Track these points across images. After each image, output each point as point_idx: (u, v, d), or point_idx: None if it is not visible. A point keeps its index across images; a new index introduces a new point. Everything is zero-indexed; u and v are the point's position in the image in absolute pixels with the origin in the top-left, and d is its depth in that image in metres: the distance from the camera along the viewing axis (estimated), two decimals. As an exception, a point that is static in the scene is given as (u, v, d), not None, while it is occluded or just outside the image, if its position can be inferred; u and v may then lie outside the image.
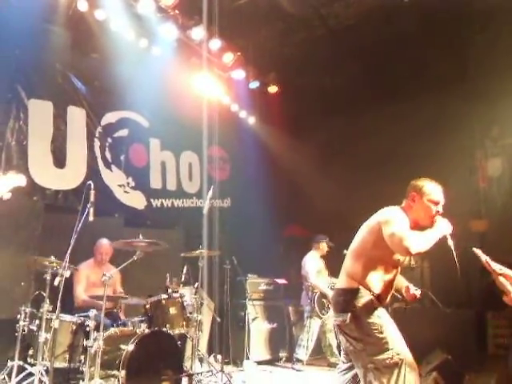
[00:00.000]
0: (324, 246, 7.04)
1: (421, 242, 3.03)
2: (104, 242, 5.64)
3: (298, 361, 6.73)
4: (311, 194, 8.17)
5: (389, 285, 3.25)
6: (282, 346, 7.16)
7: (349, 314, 3.06)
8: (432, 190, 3.31)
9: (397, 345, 2.99)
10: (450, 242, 3.18)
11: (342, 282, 3.23)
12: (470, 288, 7.41)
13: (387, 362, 2.92)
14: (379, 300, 3.12)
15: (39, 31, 5.80)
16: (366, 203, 7.65)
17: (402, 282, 3.55)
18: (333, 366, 6.72)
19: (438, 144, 7.46)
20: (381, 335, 2.99)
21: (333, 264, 7.10)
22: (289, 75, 8.15)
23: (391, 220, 3.12)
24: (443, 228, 3.17)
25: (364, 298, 3.07)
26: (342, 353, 3.42)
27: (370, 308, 3.06)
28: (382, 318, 3.07)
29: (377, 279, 3.15)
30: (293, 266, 8.54)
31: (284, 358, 7.10)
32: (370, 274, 3.13)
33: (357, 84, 7.76)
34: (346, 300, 3.11)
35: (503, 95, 6.75)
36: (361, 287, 3.10)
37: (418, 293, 3.49)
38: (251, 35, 7.39)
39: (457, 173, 7.54)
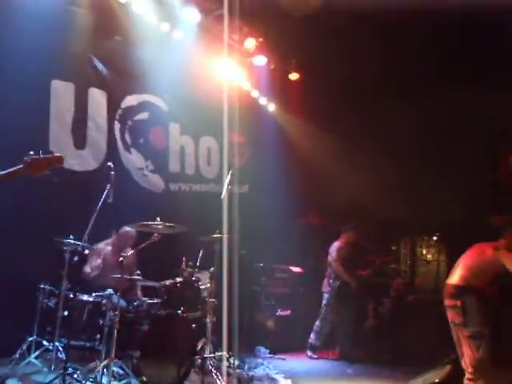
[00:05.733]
0: (352, 236, 6.98)
1: None
2: (131, 234, 5.52)
3: (312, 347, 6.75)
4: (330, 183, 8.12)
5: None
6: (295, 333, 7.19)
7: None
8: None
9: None
10: None
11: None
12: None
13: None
14: None
15: (62, 12, 5.82)
16: (384, 193, 7.67)
17: None
18: (343, 355, 6.76)
19: (459, 136, 7.36)
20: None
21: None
22: (310, 62, 8.06)
23: None
24: None
25: None
26: None
27: None
28: None
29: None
30: (309, 255, 8.54)
31: (298, 346, 7.13)
32: None
33: (379, 73, 7.66)
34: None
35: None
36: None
37: None
38: (273, 21, 7.31)
39: (477, 167, 7.44)
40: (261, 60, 7.73)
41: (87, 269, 5.42)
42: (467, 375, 4.39)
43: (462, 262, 4.71)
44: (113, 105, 6.69)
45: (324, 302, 6.88)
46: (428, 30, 6.82)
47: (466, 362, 4.41)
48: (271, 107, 8.57)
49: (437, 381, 4.32)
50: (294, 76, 8.29)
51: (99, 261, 5.49)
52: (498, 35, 6.70)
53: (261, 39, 7.44)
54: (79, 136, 6.29)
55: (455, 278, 4.62)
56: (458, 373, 4.77)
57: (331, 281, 6.81)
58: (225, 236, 5.44)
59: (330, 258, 6.91)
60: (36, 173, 3.12)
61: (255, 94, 8.30)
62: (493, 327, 4.53)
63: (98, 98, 6.52)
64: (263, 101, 8.46)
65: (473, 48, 6.95)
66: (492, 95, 6.89)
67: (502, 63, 6.70)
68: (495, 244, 4.68)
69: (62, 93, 6.12)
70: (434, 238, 8.75)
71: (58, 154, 3.31)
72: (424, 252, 8.84)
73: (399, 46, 7.22)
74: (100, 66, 6.56)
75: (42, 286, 4.73)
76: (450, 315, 4.58)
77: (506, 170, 7.78)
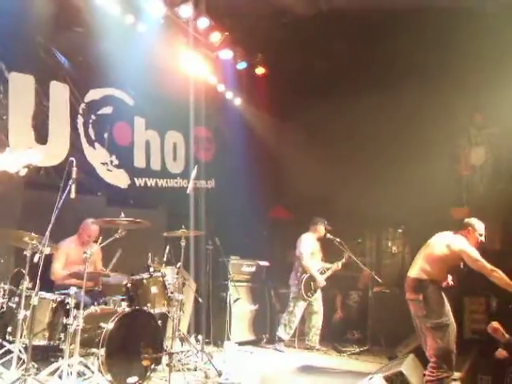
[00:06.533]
0: (321, 229, 7.02)
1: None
2: (94, 227, 5.49)
3: (280, 340, 6.81)
4: (296, 177, 8.18)
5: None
6: (263, 327, 7.23)
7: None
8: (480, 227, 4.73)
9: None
10: None
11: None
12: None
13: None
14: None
15: (20, 2, 5.63)
16: (350, 186, 7.78)
17: None
18: (311, 348, 6.84)
19: (421, 130, 7.51)
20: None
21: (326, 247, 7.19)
22: (276, 57, 8.07)
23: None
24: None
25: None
26: None
27: None
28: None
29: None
30: (276, 249, 8.59)
31: (265, 340, 7.18)
32: None
33: (344, 68, 7.74)
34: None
35: (487, 83, 6.79)
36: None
37: None
38: (240, 15, 7.27)
39: (440, 160, 7.62)
40: (227, 54, 7.69)
41: (55, 268, 5.32)
42: (431, 363, 4.51)
43: (421, 253, 4.81)
44: (75, 99, 6.53)
45: (291, 295, 6.93)
46: (395, 28, 6.91)
47: (430, 352, 4.53)
48: (237, 101, 8.55)
49: (400, 370, 4.41)
50: (260, 70, 8.29)
51: (64, 258, 5.41)
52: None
53: (227, 33, 7.39)
54: (41, 131, 6.12)
55: (415, 271, 4.72)
56: (420, 361, 4.91)
57: (298, 274, 6.87)
58: (189, 231, 5.41)
59: (297, 252, 6.96)
60: (12, 169, 3.03)
61: (221, 88, 8.27)
62: (454, 317, 4.67)
63: (59, 92, 6.36)
64: (229, 95, 8.44)
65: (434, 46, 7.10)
66: (453, 91, 7.07)
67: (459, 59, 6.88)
68: (454, 235, 4.79)
69: (21, 86, 5.93)
70: (399, 231, 8.92)
71: (36, 150, 3.22)
72: (389, 244, 9.01)
73: (364, 41, 7.30)
74: (62, 58, 6.40)
75: (1, 285, 4.58)
76: (413, 308, 4.68)
77: (466, 165, 8.00)
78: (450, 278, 4.70)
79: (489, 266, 4.41)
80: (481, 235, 4.74)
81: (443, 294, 4.59)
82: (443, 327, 4.48)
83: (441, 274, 4.63)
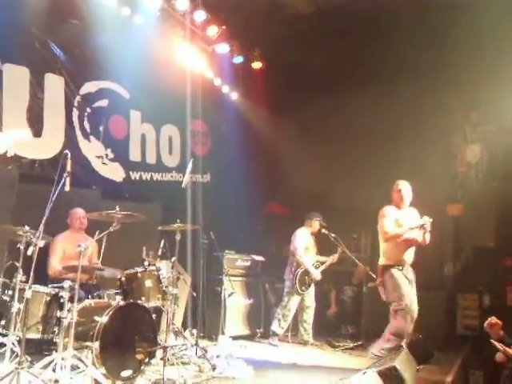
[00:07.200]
0: (316, 224, 7.02)
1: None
2: (78, 209, 5.64)
3: (274, 334, 6.83)
4: (292, 172, 8.18)
5: None
6: (257, 321, 7.25)
7: None
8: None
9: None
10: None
11: None
12: (442, 270, 7.59)
13: None
14: None
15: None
16: (346, 182, 7.78)
17: None
18: (305, 343, 6.86)
19: (417, 127, 7.52)
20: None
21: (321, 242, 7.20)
22: (273, 52, 8.05)
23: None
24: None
25: None
26: None
27: None
28: None
29: None
30: (271, 243, 8.59)
31: (259, 334, 7.20)
32: None
33: (341, 64, 7.73)
34: None
35: (483, 81, 6.80)
36: None
37: None
38: (237, 9, 7.25)
39: (435, 157, 7.63)
40: (223, 48, 7.66)
41: (52, 263, 5.31)
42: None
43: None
44: (71, 91, 6.49)
45: (286, 289, 6.95)
46: (390, 25, 6.90)
47: (390, 330, 4.65)
48: (234, 96, 8.52)
49: (394, 365, 4.43)
50: (257, 65, 8.26)
51: (61, 253, 5.40)
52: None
53: (223, 27, 7.36)
54: (35, 123, 6.07)
55: (380, 258, 4.89)
56: (415, 356, 4.94)
57: (293, 269, 6.88)
58: (184, 225, 5.40)
59: (291, 247, 6.97)
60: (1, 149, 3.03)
61: (218, 82, 8.24)
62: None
63: (54, 84, 6.31)
64: (226, 89, 8.41)
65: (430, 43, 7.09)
66: (449, 89, 7.07)
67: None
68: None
69: (16, 77, 5.88)
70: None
71: (25, 128, 3.19)
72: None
73: (359, 38, 7.29)
74: (57, 50, 6.35)
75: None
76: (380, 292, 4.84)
77: (461, 162, 8.03)
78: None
79: (388, 230, 4.63)
80: (397, 185, 5.25)
81: (403, 277, 4.68)
82: (401, 311, 4.56)
83: (395, 253, 4.72)
